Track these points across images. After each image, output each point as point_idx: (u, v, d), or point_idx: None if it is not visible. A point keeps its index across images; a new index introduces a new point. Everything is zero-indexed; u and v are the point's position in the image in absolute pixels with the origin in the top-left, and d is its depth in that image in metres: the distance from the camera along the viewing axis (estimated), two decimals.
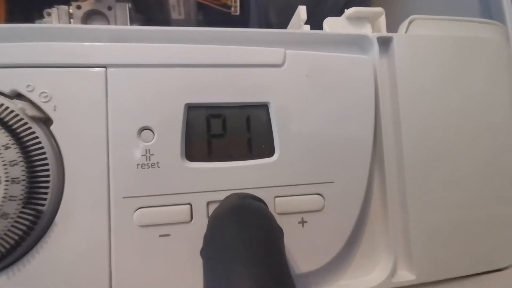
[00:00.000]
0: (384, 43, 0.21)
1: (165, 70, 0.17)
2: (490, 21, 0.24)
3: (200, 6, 0.38)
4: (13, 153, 0.15)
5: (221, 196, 0.17)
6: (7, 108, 0.15)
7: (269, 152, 0.18)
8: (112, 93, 0.17)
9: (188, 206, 0.17)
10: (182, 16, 0.39)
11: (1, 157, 0.14)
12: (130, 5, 0.33)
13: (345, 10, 0.22)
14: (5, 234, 0.14)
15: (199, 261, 0.14)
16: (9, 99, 0.15)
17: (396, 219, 0.20)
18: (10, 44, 0.16)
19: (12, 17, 0.40)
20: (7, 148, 0.15)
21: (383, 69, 0.21)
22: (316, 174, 0.18)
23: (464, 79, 0.21)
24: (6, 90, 0.16)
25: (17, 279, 0.15)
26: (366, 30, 0.22)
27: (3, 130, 0.15)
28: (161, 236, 0.16)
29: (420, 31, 0.22)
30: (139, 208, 0.16)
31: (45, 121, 0.16)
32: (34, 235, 0.15)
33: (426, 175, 0.20)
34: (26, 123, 0.15)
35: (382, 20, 0.22)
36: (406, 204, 0.20)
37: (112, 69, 0.17)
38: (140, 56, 0.17)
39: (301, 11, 0.22)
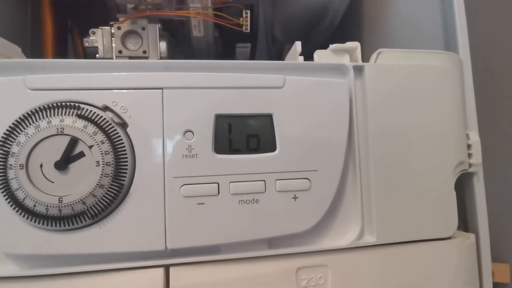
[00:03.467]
0: (358, 70, 0.29)
1: (202, 91, 0.25)
2: (443, 52, 0.32)
3: (216, 25, 0.46)
4: (106, 146, 0.23)
5: (239, 178, 0.25)
6: (101, 117, 0.23)
7: (272, 148, 0.26)
8: (166, 107, 0.25)
9: (216, 184, 0.25)
10: (202, 34, 0.47)
11: (100, 149, 0.23)
12: (159, 25, 0.41)
13: (330, 45, 0.29)
14: (101, 198, 0.23)
15: (223, 221, 0.23)
16: (102, 111, 0.24)
17: (364, 197, 0.28)
18: (100, 74, 0.24)
19: (58, 34, 0.48)
20: (103, 143, 0.23)
21: (357, 90, 0.28)
22: (305, 164, 0.26)
23: (419, 96, 0.29)
24: (99, 105, 0.24)
25: (104, 230, 0.23)
26: (345, 60, 0.29)
27: (100, 132, 0.23)
28: (198, 204, 0.24)
29: (386, 61, 0.30)
30: (184, 185, 0.24)
31: (123, 125, 0.24)
32: (118, 200, 0.23)
33: (386, 166, 0.28)
34: (113, 127, 0.23)
35: (358, 52, 0.30)
36: (370, 186, 0.27)
37: (167, 90, 0.25)
38: (185, 81, 0.25)
39: (297, 46, 0.29)
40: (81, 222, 0.22)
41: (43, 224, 0.22)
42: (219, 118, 0.25)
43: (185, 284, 0.24)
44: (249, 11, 0.43)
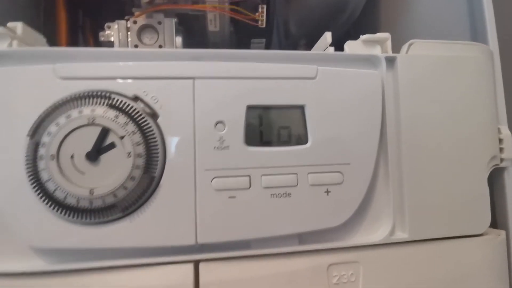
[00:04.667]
0: (390, 61, 0.28)
1: (233, 81, 0.24)
2: (475, 43, 0.31)
3: (232, 19, 0.45)
4: (138, 137, 0.22)
5: (271, 171, 0.24)
6: (133, 107, 0.22)
7: (304, 140, 0.25)
8: (197, 97, 0.24)
9: (247, 177, 0.24)
10: (217, 29, 0.46)
11: (131, 139, 0.22)
12: (175, 20, 0.40)
13: (361, 36, 0.29)
14: (132, 190, 0.22)
15: (255, 215, 0.22)
16: (133, 101, 0.23)
17: (395, 193, 0.27)
18: (131, 63, 0.23)
19: (71, 28, 0.47)
20: (134, 133, 0.22)
21: (389, 81, 0.28)
22: (337, 157, 0.26)
23: (451, 88, 0.28)
24: (130, 94, 0.23)
25: (134, 224, 0.23)
26: (377, 50, 0.29)
27: (131, 122, 0.22)
28: (229, 197, 0.24)
29: (418, 52, 0.29)
30: (215, 178, 0.24)
31: (154, 115, 0.23)
32: (148, 193, 0.23)
33: (418, 159, 0.27)
34: (144, 117, 0.23)
35: (389, 43, 0.29)
36: (402, 181, 0.27)
37: (198, 80, 0.24)
38: (216, 71, 0.24)
39: (328, 36, 0.29)
40: (112, 215, 0.22)
41: (73, 216, 0.21)
42: (250, 109, 0.25)
43: (214, 279, 0.24)
44: (265, 6, 0.42)
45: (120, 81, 0.23)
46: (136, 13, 0.40)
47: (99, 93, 0.22)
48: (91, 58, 0.23)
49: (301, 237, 0.26)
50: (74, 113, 0.21)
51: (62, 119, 0.21)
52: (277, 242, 0.25)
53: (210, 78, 0.24)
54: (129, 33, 0.39)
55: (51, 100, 0.22)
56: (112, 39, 0.39)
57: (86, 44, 0.51)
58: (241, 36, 0.51)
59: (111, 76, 0.23)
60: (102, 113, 0.22)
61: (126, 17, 0.40)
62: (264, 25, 0.43)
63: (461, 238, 0.28)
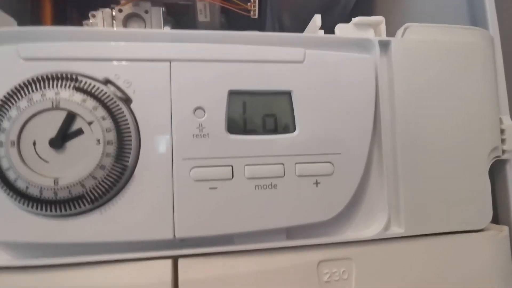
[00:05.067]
0: (384, 45, 0.26)
1: (214, 64, 0.23)
2: (475, 28, 0.29)
3: (223, 10, 0.43)
4: (108, 123, 0.20)
5: (255, 161, 0.23)
6: (102, 91, 0.21)
7: (291, 129, 0.24)
8: (174, 81, 0.22)
9: (230, 167, 0.22)
10: (208, 19, 0.44)
11: (100, 125, 0.20)
12: (163, 9, 0.39)
13: (352, 18, 0.27)
14: (102, 181, 0.20)
15: (238, 208, 0.21)
16: (103, 84, 0.21)
17: (390, 185, 0.25)
18: (102, 43, 0.22)
19: (58, 18, 0.46)
20: (104, 119, 0.20)
21: (382, 66, 0.26)
22: (327, 146, 0.24)
23: (449, 75, 0.26)
24: (100, 77, 0.21)
25: (106, 216, 0.21)
26: (369, 34, 0.27)
27: (101, 106, 0.20)
28: (210, 188, 0.22)
29: (414, 36, 0.27)
30: (194, 167, 0.22)
31: (126, 100, 0.22)
32: (121, 183, 0.21)
33: (414, 150, 0.25)
34: (115, 102, 0.21)
35: (383, 27, 0.27)
36: (397, 172, 0.25)
37: (175, 62, 0.22)
38: (195, 53, 0.22)
39: (317, 19, 0.27)
40: (80, 207, 0.20)
41: (36, 208, 0.19)
42: (232, 94, 0.23)
43: (195, 277, 0.22)
44: None
45: (89, 62, 0.21)
46: (122, 2, 0.38)
47: (64, 75, 0.20)
48: (58, 37, 0.22)
49: (289, 232, 0.24)
50: (37, 96, 0.19)
51: (23, 103, 0.19)
52: (263, 237, 0.23)
53: (188, 61, 0.22)
54: (114, 22, 0.38)
55: (13, 82, 0.20)
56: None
57: None
58: (232, 27, 0.50)
59: (79, 57, 0.21)
60: (67, 96, 0.20)
61: (112, 6, 0.38)
62: (256, 16, 0.41)
63: (461, 233, 0.26)
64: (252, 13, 0.42)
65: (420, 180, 0.25)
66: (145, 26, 0.39)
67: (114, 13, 0.38)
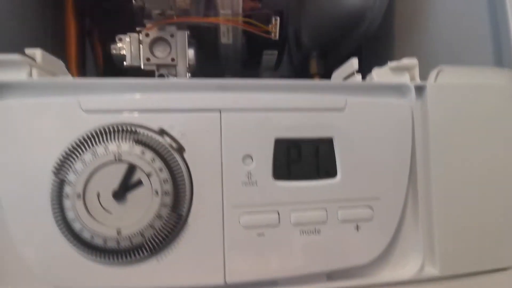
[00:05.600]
0: (419, 90, 0.27)
1: (261, 113, 0.24)
2: (505, 69, 0.30)
3: (245, 32, 0.44)
4: (165, 174, 0.21)
5: (300, 207, 0.24)
6: (159, 142, 0.22)
7: (333, 174, 0.25)
8: (224, 130, 0.23)
9: (276, 214, 0.23)
10: (230, 41, 0.45)
11: (158, 177, 0.21)
12: (188, 32, 0.39)
13: (388, 62, 0.28)
14: (160, 230, 0.21)
15: (284, 253, 0.22)
16: (159, 135, 0.22)
17: (425, 227, 0.26)
18: (157, 95, 0.23)
19: (80, 35, 0.46)
20: (161, 170, 0.21)
21: (417, 110, 0.27)
22: (367, 191, 0.25)
23: (483, 118, 0.27)
24: (156, 128, 0.22)
25: (162, 264, 0.22)
26: (405, 78, 0.28)
27: (158, 158, 0.21)
28: (258, 235, 0.23)
29: (446, 80, 0.28)
30: (244, 214, 0.23)
31: (180, 150, 0.23)
32: (176, 232, 0.22)
33: (449, 193, 0.26)
34: (171, 153, 0.22)
35: (416, 70, 0.28)
36: (432, 215, 0.26)
37: (225, 112, 0.23)
38: (243, 103, 0.24)
39: (354, 62, 0.28)
40: (139, 256, 0.21)
41: (101, 257, 0.20)
42: (278, 142, 0.24)
43: None
44: (278, 18, 0.41)
45: (145, 113, 0.22)
46: (148, 25, 0.39)
47: (124, 127, 0.21)
48: (115, 89, 0.23)
49: (329, 274, 0.25)
50: (100, 149, 0.21)
51: (88, 156, 0.20)
52: (305, 279, 0.24)
53: (237, 111, 0.23)
54: (141, 45, 0.39)
55: (76, 134, 0.21)
56: (123, 52, 0.38)
57: (94, 54, 0.51)
58: (252, 47, 0.51)
59: (136, 109, 0.22)
60: (128, 149, 0.21)
61: (138, 29, 0.39)
62: (277, 37, 0.42)
63: (497, 271, 0.27)
64: (273, 35, 0.43)
65: (455, 221, 0.26)
66: (170, 50, 0.40)
67: (141, 38, 0.39)
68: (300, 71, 0.59)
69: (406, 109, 0.26)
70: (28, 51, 0.23)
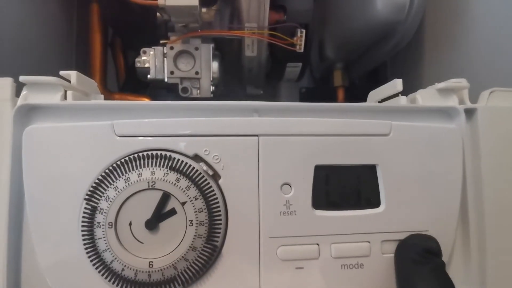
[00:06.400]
0: (468, 113, 0.25)
1: (300, 138, 0.22)
2: None
3: (269, 45, 0.43)
4: (200, 203, 0.20)
5: (341, 239, 0.22)
6: (194, 168, 0.21)
7: (376, 203, 0.23)
8: (262, 156, 0.22)
9: (316, 246, 0.22)
10: (255, 54, 0.44)
11: (193, 206, 0.20)
12: (213, 45, 0.39)
13: (436, 83, 0.26)
14: (193, 263, 0.20)
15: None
16: (194, 161, 0.21)
17: (477, 262, 0.24)
18: (191, 120, 0.22)
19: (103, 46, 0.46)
20: (196, 199, 0.20)
21: (467, 135, 0.25)
22: (414, 223, 0.23)
23: None
24: (190, 154, 0.21)
25: None
26: (453, 101, 0.26)
27: (193, 186, 0.20)
28: (297, 268, 0.21)
29: (498, 103, 0.26)
30: (281, 246, 0.21)
31: (215, 176, 0.21)
32: (210, 263, 0.21)
33: (504, 226, 0.24)
34: (206, 180, 0.21)
35: (466, 92, 0.26)
36: (485, 251, 0.24)
37: (262, 137, 0.22)
38: (282, 128, 0.22)
39: (398, 84, 0.26)
40: None
41: None
42: (318, 169, 0.22)
43: None
44: (304, 30, 0.40)
45: (180, 138, 0.21)
46: (172, 38, 0.38)
47: (158, 153, 0.20)
48: (148, 111, 0.22)
49: None
50: (133, 176, 0.20)
51: (120, 183, 0.19)
52: None
53: (275, 135, 0.22)
54: (165, 58, 0.38)
55: (109, 159, 0.20)
56: (148, 65, 0.38)
57: (116, 63, 0.51)
58: (276, 60, 0.50)
59: (170, 133, 0.21)
60: (162, 176, 0.20)
61: (162, 42, 0.38)
62: (302, 50, 0.41)
63: None
64: (298, 47, 0.41)
65: (510, 257, 0.24)
66: (195, 63, 0.39)
67: (165, 51, 0.38)
68: (322, 83, 0.57)
69: (456, 134, 0.24)
70: (63, 72, 0.23)
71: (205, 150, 0.21)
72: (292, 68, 0.50)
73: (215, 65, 0.40)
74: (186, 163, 0.20)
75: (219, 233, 0.20)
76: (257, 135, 0.22)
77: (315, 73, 0.59)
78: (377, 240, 0.22)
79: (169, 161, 0.20)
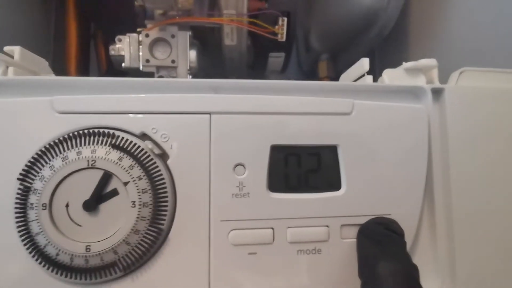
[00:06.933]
0: (436, 93, 0.24)
1: (255, 117, 0.21)
2: None
3: (250, 32, 0.42)
4: (144, 183, 0.19)
5: (297, 223, 0.21)
6: (139, 147, 0.19)
7: (337, 186, 0.22)
8: (214, 135, 0.21)
9: (271, 230, 0.21)
10: (234, 42, 0.43)
11: (136, 186, 0.19)
12: (190, 33, 0.38)
13: (403, 63, 0.25)
14: (136, 246, 0.19)
15: (279, 275, 0.19)
16: (140, 139, 0.20)
17: (443, 247, 0.23)
18: (138, 96, 0.20)
19: (82, 37, 0.45)
20: (140, 179, 0.19)
21: (434, 116, 0.24)
22: (376, 207, 0.22)
23: (508, 124, 0.24)
24: (137, 132, 0.20)
25: (139, 281, 0.19)
26: (421, 81, 0.25)
27: (137, 165, 0.19)
28: (249, 253, 0.20)
29: (469, 82, 0.25)
30: (233, 230, 0.20)
31: (163, 156, 0.20)
32: (155, 248, 0.19)
33: (472, 210, 0.23)
34: (152, 159, 0.19)
35: (435, 72, 0.25)
36: (453, 235, 0.22)
37: (215, 115, 0.21)
38: (236, 105, 0.21)
39: (364, 63, 0.25)
40: (111, 275, 0.18)
41: (66, 276, 0.18)
42: (275, 149, 0.21)
43: None
44: (285, 19, 0.39)
45: (125, 116, 0.20)
46: (149, 26, 0.37)
47: (101, 131, 0.19)
48: (95, 88, 0.20)
49: None
50: (72, 154, 0.18)
51: (57, 162, 0.18)
52: None
53: (229, 113, 0.21)
54: (140, 46, 0.37)
55: (46, 137, 0.19)
56: (122, 52, 0.37)
57: (98, 56, 0.49)
58: (258, 50, 0.49)
59: (115, 110, 0.20)
60: (104, 154, 0.18)
61: (138, 30, 0.37)
62: (284, 39, 0.40)
63: None
64: (279, 36, 0.40)
65: (478, 240, 0.23)
66: (171, 51, 0.38)
67: (140, 38, 0.37)
68: (309, 75, 0.56)
69: (421, 114, 0.23)
70: (7, 48, 0.22)
71: (153, 128, 0.20)
72: (275, 58, 0.49)
73: (192, 54, 0.38)
74: (131, 141, 0.19)
75: (165, 215, 0.19)
76: (209, 113, 0.21)
77: (303, 66, 0.58)
78: (336, 224, 0.21)
79: (112, 139, 0.19)
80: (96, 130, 0.19)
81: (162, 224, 0.19)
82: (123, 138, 0.19)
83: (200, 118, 0.21)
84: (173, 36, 0.37)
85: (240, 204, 0.20)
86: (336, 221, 0.21)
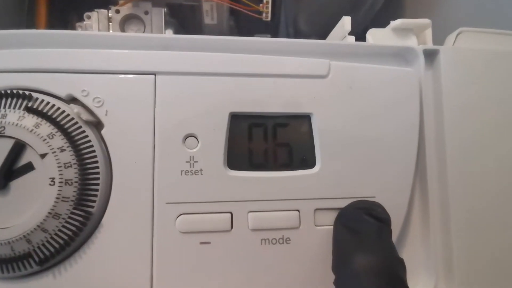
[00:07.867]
0: (430, 55, 0.20)
1: (211, 79, 0.17)
2: None
3: (232, 12, 0.39)
4: (68, 156, 0.15)
5: (261, 206, 0.17)
6: (63, 112, 0.16)
7: (310, 163, 0.18)
8: (160, 100, 0.17)
9: (228, 215, 0.17)
10: (215, 21, 0.39)
11: (57, 159, 0.15)
12: (165, 10, 0.34)
13: (391, 21, 0.21)
14: (56, 234, 0.15)
15: (238, 269, 0.15)
16: (65, 103, 0.16)
17: (437, 236, 0.19)
18: (66, 50, 0.17)
19: (52, 19, 0.42)
20: (62, 150, 0.15)
21: (427, 82, 0.20)
22: (357, 188, 0.18)
23: (508, 90, 0.21)
24: (62, 94, 0.16)
25: (63, 278, 0.16)
26: (411, 42, 0.21)
27: (59, 133, 0.15)
28: (201, 243, 0.17)
29: (467, 44, 0.21)
30: (182, 214, 0.17)
31: (96, 125, 0.16)
32: (83, 236, 0.16)
33: (470, 191, 0.19)
34: (80, 127, 0.16)
35: (428, 32, 0.22)
36: (449, 222, 0.19)
37: (161, 76, 0.17)
38: (188, 65, 0.17)
39: (346, 22, 0.21)
40: (25, 269, 0.15)
41: None
42: (235, 118, 0.17)
43: None
44: None
45: (48, 75, 0.16)
46: (121, 2, 0.34)
47: (14, 91, 0.15)
48: (12, 43, 0.17)
49: None
50: None
51: None
52: None
53: (178, 74, 0.17)
54: (110, 24, 0.33)
55: None
56: (91, 30, 0.33)
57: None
58: (242, 31, 0.45)
59: (37, 68, 0.16)
60: (16, 119, 0.15)
61: (109, 7, 0.34)
62: (269, 18, 0.36)
63: None
64: (264, 15, 0.37)
65: (478, 228, 0.19)
66: (145, 29, 0.34)
67: (110, 14, 0.33)
68: None
69: (412, 78, 0.19)
70: None
71: (83, 90, 0.16)
72: None
73: (169, 33, 0.35)
74: (52, 104, 0.15)
75: (95, 195, 0.16)
76: (154, 73, 0.17)
77: None
78: (309, 209, 0.18)
79: (28, 101, 0.15)
80: (8, 91, 0.15)
81: (92, 207, 0.15)
82: (42, 100, 0.15)
83: (143, 79, 0.17)
84: (146, 13, 0.34)
85: (191, 183, 0.17)
86: (308, 204, 0.18)
